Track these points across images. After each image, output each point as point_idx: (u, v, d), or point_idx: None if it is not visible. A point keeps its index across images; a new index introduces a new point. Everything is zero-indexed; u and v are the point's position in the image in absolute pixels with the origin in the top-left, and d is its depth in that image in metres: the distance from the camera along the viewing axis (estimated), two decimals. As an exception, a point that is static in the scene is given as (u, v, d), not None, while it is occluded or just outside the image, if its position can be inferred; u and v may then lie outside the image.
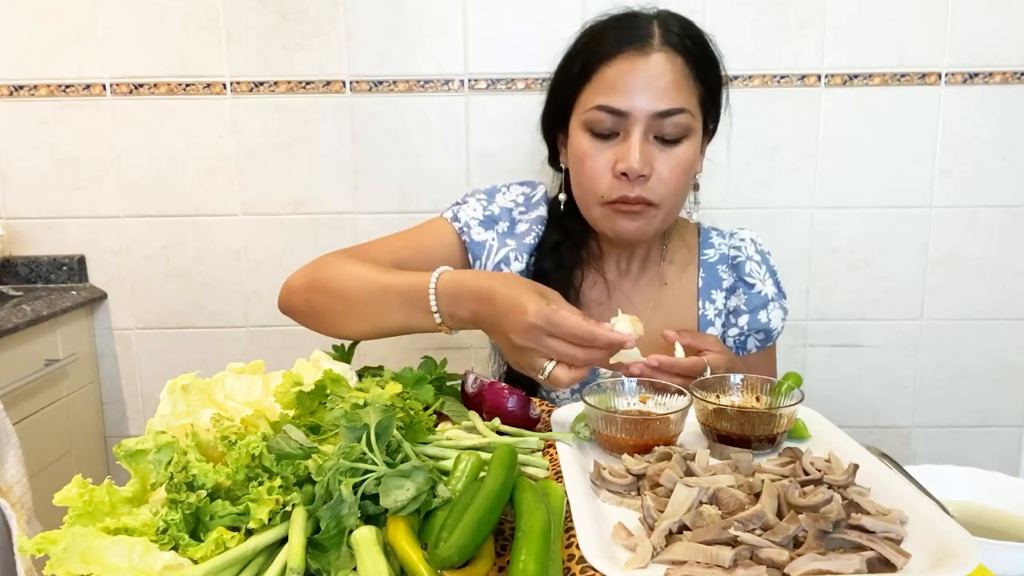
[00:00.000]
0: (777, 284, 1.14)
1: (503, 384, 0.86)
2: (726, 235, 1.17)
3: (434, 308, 0.87)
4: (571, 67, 1.02)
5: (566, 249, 1.09)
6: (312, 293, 0.98)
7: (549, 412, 0.89)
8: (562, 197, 1.10)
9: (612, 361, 0.85)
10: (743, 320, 1.11)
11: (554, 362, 0.80)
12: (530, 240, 1.09)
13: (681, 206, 1.06)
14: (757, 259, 1.14)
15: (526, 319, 0.78)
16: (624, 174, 0.96)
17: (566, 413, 0.87)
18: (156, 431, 0.65)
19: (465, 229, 1.09)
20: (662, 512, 0.61)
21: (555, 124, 1.08)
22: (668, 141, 0.98)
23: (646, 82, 0.95)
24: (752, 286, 1.12)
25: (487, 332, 0.86)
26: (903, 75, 1.67)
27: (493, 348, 1.19)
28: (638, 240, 1.04)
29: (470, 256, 1.09)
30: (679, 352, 0.90)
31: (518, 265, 1.09)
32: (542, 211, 1.12)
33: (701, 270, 1.13)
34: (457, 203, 1.13)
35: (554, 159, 1.13)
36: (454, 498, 0.61)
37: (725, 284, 1.13)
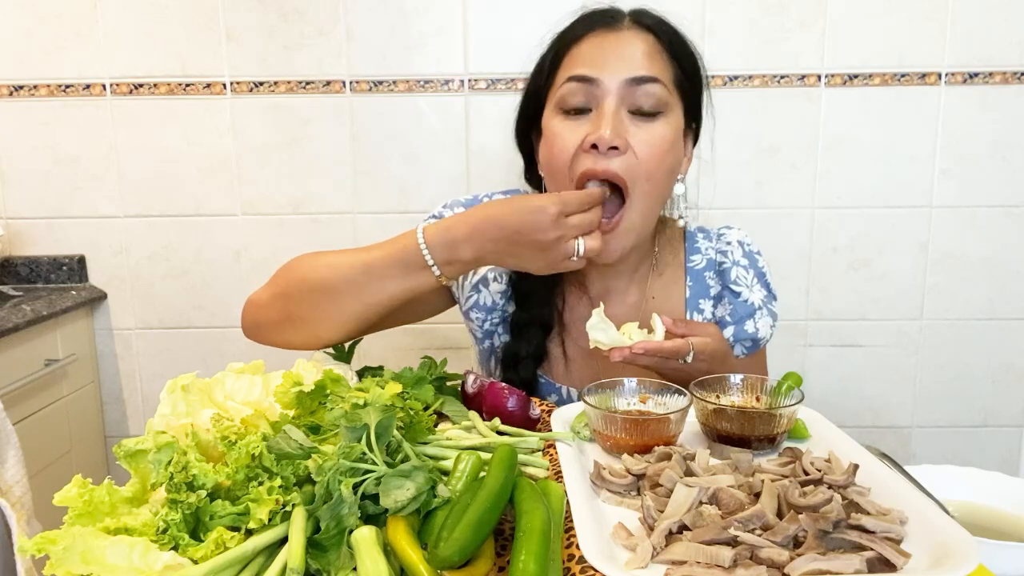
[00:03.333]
0: (767, 286, 1.07)
1: (503, 384, 0.86)
2: (712, 237, 1.10)
3: (430, 262, 0.86)
4: (543, 63, 0.99)
5: None
6: (287, 300, 0.92)
7: (549, 412, 0.89)
8: None
9: (592, 345, 0.86)
10: (728, 331, 1.04)
11: (582, 239, 0.85)
12: None
13: (660, 202, 0.98)
14: (744, 263, 1.07)
15: (549, 212, 0.83)
16: (594, 146, 0.89)
17: (566, 413, 0.87)
18: (156, 431, 0.65)
19: None
20: (662, 512, 0.61)
21: (530, 127, 1.04)
22: (644, 116, 0.91)
23: (617, 52, 0.92)
24: (738, 295, 1.05)
25: (496, 262, 0.89)
26: (903, 75, 1.67)
27: (484, 351, 1.18)
28: (608, 261, 0.97)
29: None
30: (660, 334, 0.88)
31: (497, 285, 1.06)
32: None
33: (688, 278, 1.07)
34: (434, 216, 1.07)
35: (529, 172, 1.08)
36: (454, 498, 0.61)
37: (712, 292, 1.07)
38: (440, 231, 0.87)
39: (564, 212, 0.83)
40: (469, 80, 1.68)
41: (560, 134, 0.93)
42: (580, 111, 0.93)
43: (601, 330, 0.86)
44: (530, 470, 0.72)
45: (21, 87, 1.68)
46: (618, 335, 0.86)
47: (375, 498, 0.58)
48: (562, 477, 0.68)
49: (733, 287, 1.05)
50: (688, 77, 0.97)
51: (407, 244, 0.87)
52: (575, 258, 0.86)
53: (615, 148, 0.89)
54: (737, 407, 0.82)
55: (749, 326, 1.04)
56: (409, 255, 0.87)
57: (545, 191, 1.03)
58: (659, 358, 0.86)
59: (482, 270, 1.07)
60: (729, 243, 1.08)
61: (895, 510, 0.62)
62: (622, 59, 0.91)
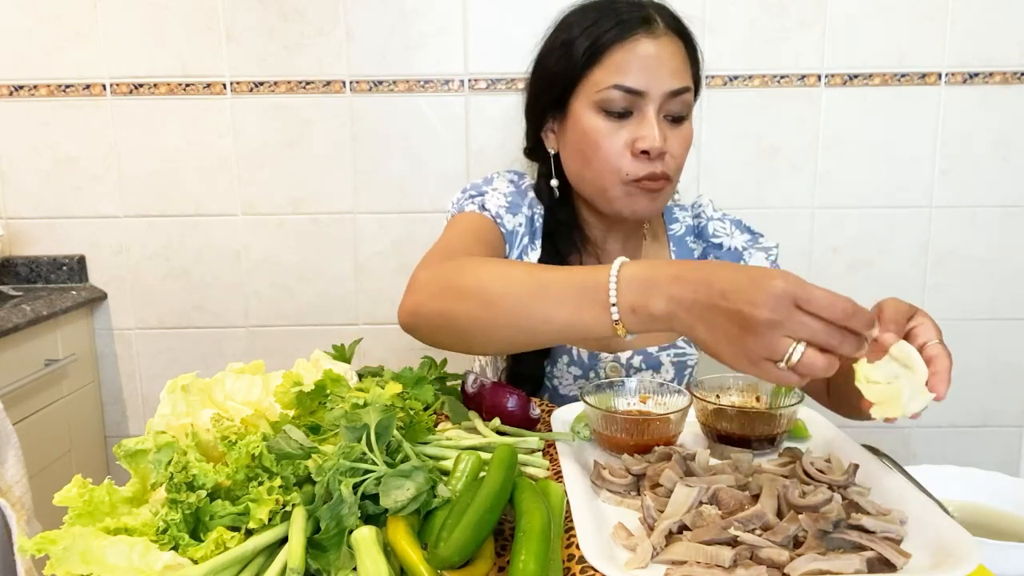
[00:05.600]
0: (747, 230, 1.17)
1: (503, 384, 0.86)
2: (687, 207, 1.21)
3: (612, 299, 0.69)
4: (570, 50, 1.01)
5: (561, 237, 1.10)
6: (447, 299, 0.81)
7: (549, 412, 0.89)
8: (555, 183, 1.10)
9: (885, 416, 0.64)
10: None
11: (804, 344, 0.60)
12: (538, 225, 1.10)
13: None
14: (718, 216, 1.17)
15: (776, 285, 0.60)
16: (645, 152, 0.98)
17: (566, 413, 0.87)
18: (156, 431, 0.65)
19: (499, 220, 1.06)
20: (662, 512, 0.61)
21: (547, 110, 1.08)
22: (674, 119, 1.01)
23: (659, 63, 0.98)
24: (720, 245, 1.15)
25: (687, 327, 0.66)
26: (903, 75, 1.67)
27: None
28: (652, 216, 1.06)
29: (506, 247, 1.07)
30: (921, 365, 0.66)
31: (535, 254, 1.09)
32: (532, 195, 1.13)
33: (671, 244, 1.17)
34: (472, 196, 1.09)
35: (532, 150, 1.14)
36: (454, 498, 0.61)
37: (696, 254, 1.17)
38: (642, 267, 0.69)
39: (798, 301, 0.60)
40: (469, 80, 1.68)
41: (607, 135, 1.00)
42: (620, 115, 1.00)
43: (920, 400, 0.63)
44: (530, 470, 0.72)
45: (21, 87, 1.68)
46: (927, 392, 0.64)
47: (375, 498, 0.58)
48: (562, 477, 0.68)
49: (713, 239, 1.15)
50: (697, 74, 1.06)
51: (595, 273, 0.72)
52: (783, 364, 0.60)
53: (663, 152, 0.99)
54: (737, 407, 0.82)
55: None
56: (590, 284, 0.71)
57: (553, 170, 1.09)
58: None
59: (525, 239, 1.08)
60: (702, 206, 1.19)
61: (895, 510, 0.62)
62: (663, 70, 0.98)
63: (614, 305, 0.68)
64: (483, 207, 1.06)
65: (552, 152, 1.09)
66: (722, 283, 0.63)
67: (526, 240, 1.08)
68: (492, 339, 0.80)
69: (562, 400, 1.10)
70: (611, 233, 1.13)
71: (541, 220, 1.11)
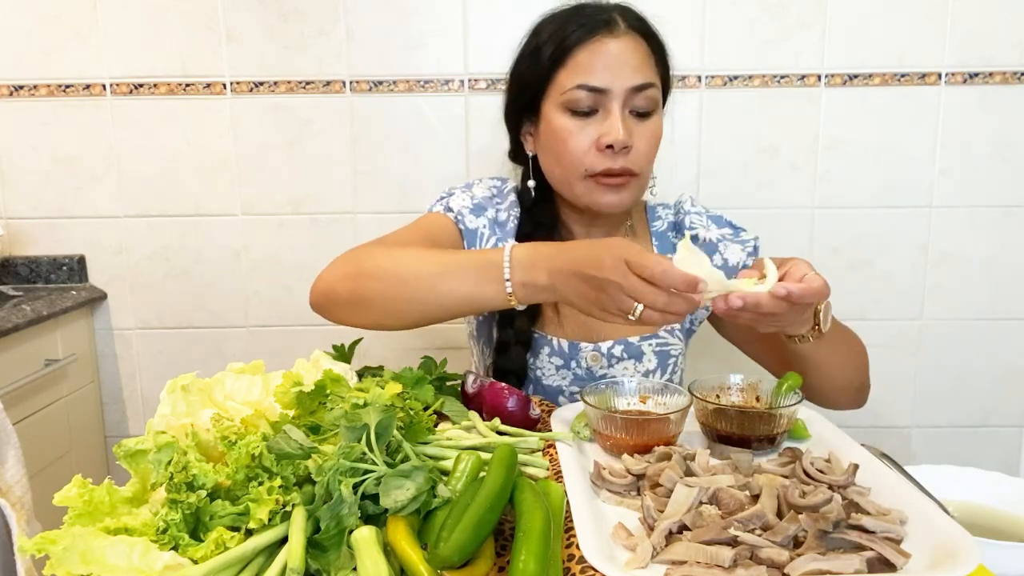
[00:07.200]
0: (728, 224, 1.18)
1: (503, 384, 0.86)
2: (670, 206, 1.23)
3: (506, 275, 0.84)
4: (539, 55, 1.06)
5: (540, 238, 1.11)
6: (358, 280, 0.93)
7: (549, 412, 0.89)
8: (531, 183, 1.13)
9: (707, 297, 0.73)
10: None
11: (642, 305, 0.73)
12: (511, 226, 1.13)
13: (651, 173, 1.10)
14: (695, 210, 1.19)
15: (612, 252, 0.75)
16: (609, 147, 1.00)
17: (566, 413, 0.87)
18: (156, 431, 0.65)
19: (459, 218, 1.11)
20: (662, 512, 0.61)
21: (522, 114, 1.12)
22: (640, 115, 1.04)
23: (620, 61, 1.01)
24: (695, 237, 1.16)
25: (564, 296, 0.81)
26: (903, 75, 1.67)
27: (481, 324, 1.19)
28: (619, 211, 1.08)
29: (465, 244, 1.11)
30: (773, 276, 0.75)
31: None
32: (513, 198, 1.16)
33: (653, 239, 1.19)
34: (442, 197, 1.16)
35: (516, 153, 1.18)
36: (454, 498, 0.61)
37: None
38: (527, 250, 0.85)
39: (631, 266, 0.73)
40: (469, 80, 1.68)
41: (573, 133, 1.03)
42: (587, 113, 1.03)
43: (694, 264, 0.72)
44: (530, 470, 0.72)
45: (21, 87, 1.68)
46: (714, 270, 0.73)
47: (375, 498, 0.58)
48: (562, 477, 0.68)
49: (688, 231, 1.17)
50: (665, 71, 1.09)
51: (491, 256, 0.87)
52: (632, 316, 0.74)
53: (627, 147, 1.01)
54: (737, 407, 0.82)
55: (716, 259, 1.14)
56: (488, 264, 0.86)
57: (535, 170, 1.13)
58: (803, 305, 0.77)
59: (492, 239, 1.11)
60: (682, 202, 1.21)
61: (895, 510, 0.62)
62: (625, 67, 1.01)
63: (508, 280, 0.84)
64: (448, 207, 1.12)
65: (531, 154, 1.13)
66: (577, 253, 0.79)
67: (493, 241, 1.11)
68: (403, 312, 0.92)
69: (546, 390, 1.11)
70: (592, 231, 1.15)
71: (516, 222, 1.13)
